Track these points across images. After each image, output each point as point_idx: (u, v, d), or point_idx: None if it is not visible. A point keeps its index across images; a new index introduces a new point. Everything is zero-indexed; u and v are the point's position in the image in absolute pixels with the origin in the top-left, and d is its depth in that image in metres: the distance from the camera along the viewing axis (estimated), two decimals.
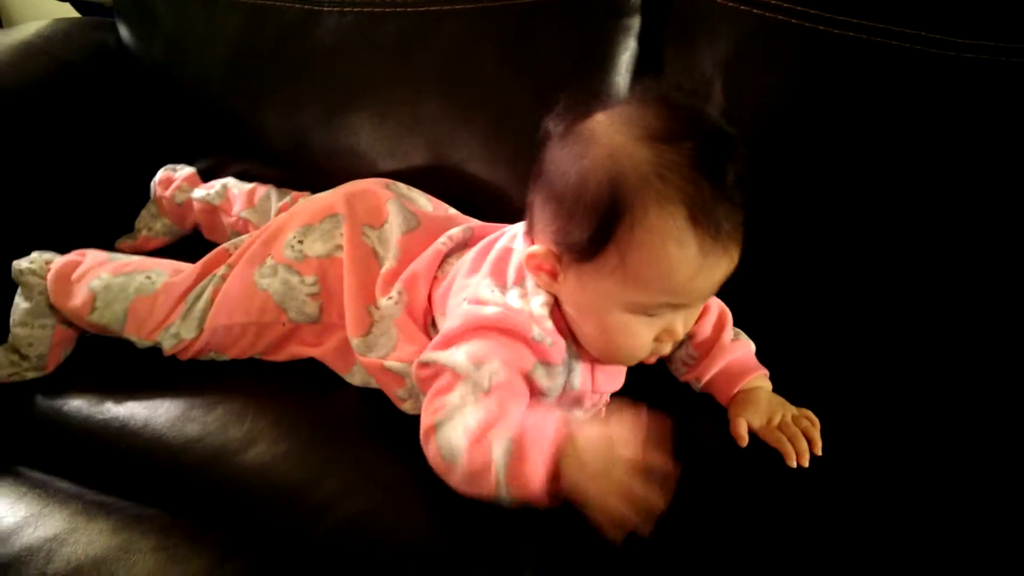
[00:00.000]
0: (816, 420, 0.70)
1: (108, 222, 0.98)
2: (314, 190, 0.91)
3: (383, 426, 0.71)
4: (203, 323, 0.76)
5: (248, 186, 0.94)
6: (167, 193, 0.96)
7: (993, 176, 0.73)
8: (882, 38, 0.72)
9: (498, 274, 0.67)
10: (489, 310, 0.63)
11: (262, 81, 0.97)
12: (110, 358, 0.81)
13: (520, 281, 0.65)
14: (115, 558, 0.63)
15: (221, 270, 0.79)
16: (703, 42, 0.79)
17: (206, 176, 0.99)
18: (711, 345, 0.74)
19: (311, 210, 0.81)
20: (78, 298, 0.77)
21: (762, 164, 0.76)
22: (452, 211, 0.85)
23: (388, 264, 0.76)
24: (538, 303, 0.63)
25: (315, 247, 0.78)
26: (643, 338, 0.63)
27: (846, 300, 0.81)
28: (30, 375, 0.79)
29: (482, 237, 0.75)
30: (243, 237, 0.85)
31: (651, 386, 0.72)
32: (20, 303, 0.79)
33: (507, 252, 0.68)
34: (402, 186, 0.86)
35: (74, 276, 0.78)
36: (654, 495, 0.50)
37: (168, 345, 0.77)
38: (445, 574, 0.63)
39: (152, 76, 1.05)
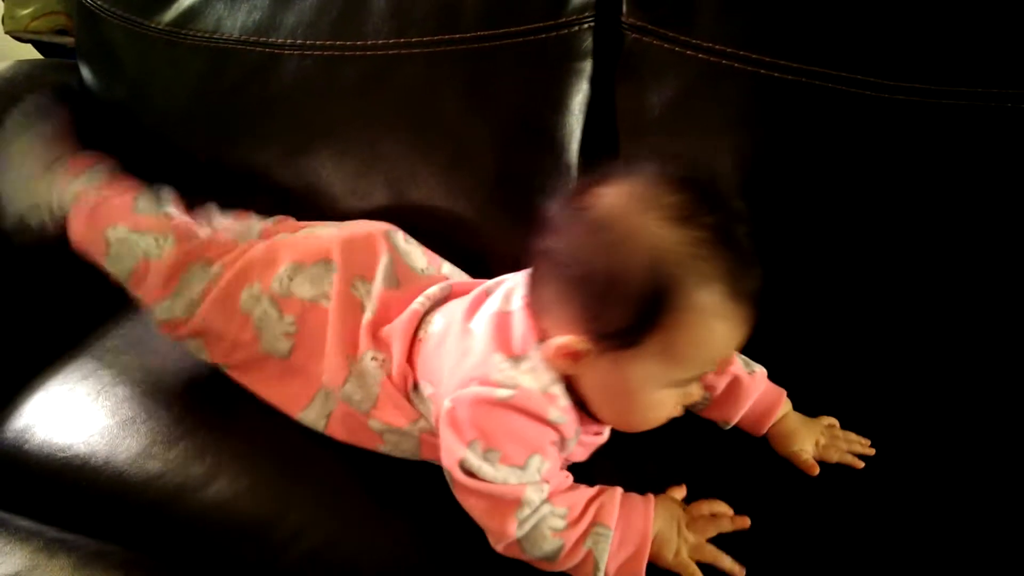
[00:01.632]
0: (837, 422, 0.75)
1: (72, 264, 0.97)
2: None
3: (342, 458, 0.73)
4: (193, 310, 0.78)
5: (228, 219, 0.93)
6: None
7: (928, 208, 0.77)
8: (820, 81, 0.76)
9: (504, 345, 0.64)
10: (502, 393, 0.61)
11: (224, 122, 0.98)
12: (70, 394, 0.81)
13: (527, 351, 0.64)
14: None
15: (215, 268, 0.80)
16: (651, 86, 0.83)
17: None
18: (731, 387, 0.73)
19: (307, 248, 0.81)
20: (94, 240, 0.83)
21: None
22: (447, 268, 0.84)
23: (368, 315, 0.75)
24: (549, 379, 0.62)
25: (302, 289, 0.78)
26: (669, 408, 0.64)
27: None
28: None
29: (460, 294, 0.75)
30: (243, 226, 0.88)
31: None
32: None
33: (506, 317, 0.66)
34: (400, 237, 0.84)
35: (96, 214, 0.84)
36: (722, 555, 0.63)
37: (162, 316, 0.80)
38: None
39: (114, 116, 1.06)
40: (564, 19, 0.86)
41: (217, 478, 0.72)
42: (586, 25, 0.86)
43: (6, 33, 1.25)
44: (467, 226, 0.93)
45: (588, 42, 0.86)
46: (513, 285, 0.69)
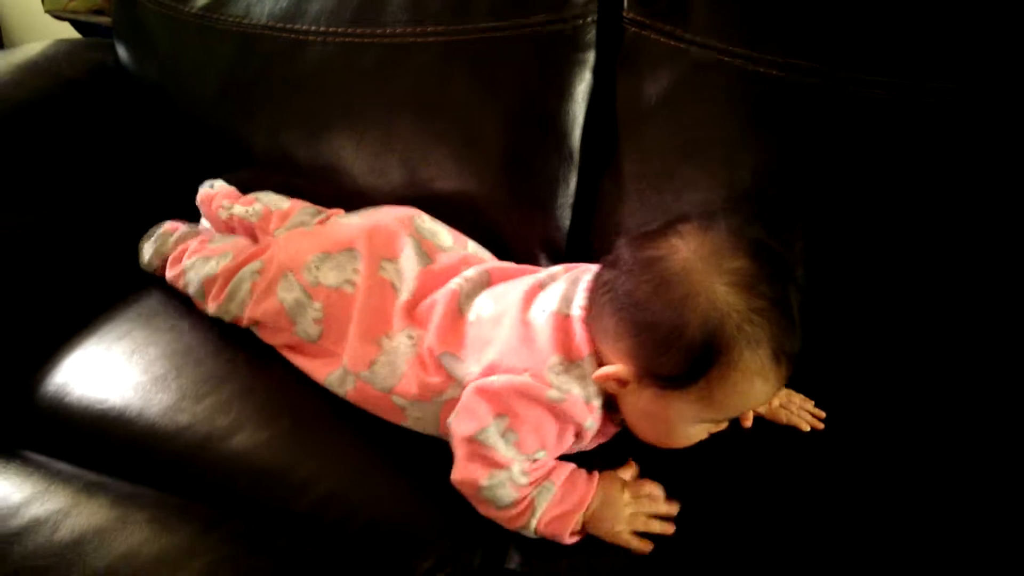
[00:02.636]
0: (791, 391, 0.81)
1: (110, 233, 1.05)
2: (317, 201, 0.99)
3: (354, 418, 0.80)
4: (244, 308, 0.87)
5: (285, 204, 0.98)
6: (212, 211, 1.00)
7: (908, 202, 0.81)
8: (801, 76, 0.81)
9: (563, 348, 0.69)
10: (553, 394, 0.67)
11: (251, 103, 1.05)
12: (107, 353, 0.88)
13: (582, 358, 0.69)
14: (113, 528, 0.70)
15: (256, 264, 0.88)
16: (648, 77, 0.88)
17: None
18: None
19: (334, 238, 0.87)
20: (176, 271, 0.95)
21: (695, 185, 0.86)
22: (472, 246, 0.91)
23: (404, 296, 0.81)
24: (594, 391, 0.68)
25: (328, 276, 0.83)
26: (699, 436, 0.71)
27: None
28: None
29: (500, 279, 0.81)
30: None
31: None
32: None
33: (567, 322, 0.70)
34: (426, 220, 0.90)
35: (182, 257, 0.96)
36: (659, 515, 0.70)
37: (228, 318, 0.89)
38: (406, 545, 0.71)
39: (148, 95, 1.13)
40: (569, 13, 0.91)
41: (240, 430, 0.79)
42: (590, 19, 0.91)
43: (46, 12, 1.31)
44: (476, 203, 0.98)
45: (591, 34, 0.92)
46: (568, 284, 0.74)
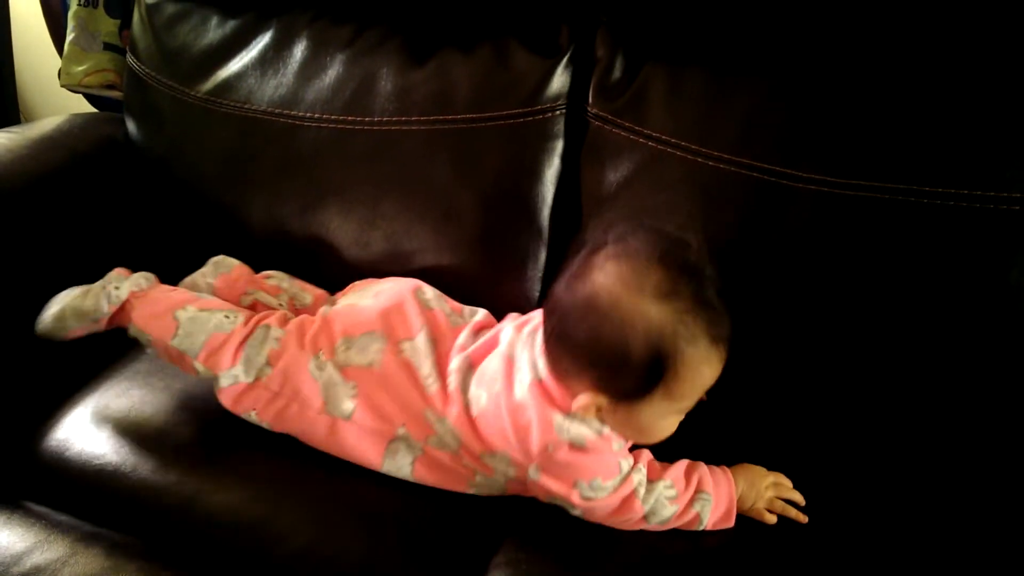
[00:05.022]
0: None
1: None
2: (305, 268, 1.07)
3: (332, 474, 0.86)
4: (261, 375, 0.87)
5: (308, 298, 1.04)
6: (234, 294, 1.02)
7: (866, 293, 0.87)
8: (742, 169, 0.90)
9: (555, 406, 0.78)
10: (580, 442, 0.76)
11: (249, 180, 1.13)
12: (105, 410, 0.95)
13: (569, 408, 0.77)
14: None
15: (275, 332, 0.88)
16: (609, 165, 0.97)
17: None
18: None
19: (353, 321, 0.89)
20: (162, 322, 0.89)
21: None
22: (467, 311, 0.97)
23: (433, 385, 0.84)
24: (596, 425, 0.77)
25: (355, 358, 0.86)
26: (674, 424, 0.80)
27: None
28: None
29: (478, 360, 0.86)
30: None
31: None
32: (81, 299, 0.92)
33: (543, 385, 0.79)
34: (428, 293, 0.96)
35: (160, 308, 0.91)
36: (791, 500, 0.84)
37: (226, 383, 0.87)
38: None
39: (154, 169, 1.22)
40: (540, 106, 1.01)
41: (225, 487, 0.85)
42: (558, 112, 1.01)
43: (62, 86, 1.41)
44: (453, 274, 1.05)
45: (560, 125, 1.01)
46: (529, 350, 0.81)
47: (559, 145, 1.01)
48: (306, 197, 1.10)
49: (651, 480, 0.80)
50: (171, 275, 1.14)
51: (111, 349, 1.05)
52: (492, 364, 0.85)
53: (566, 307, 0.75)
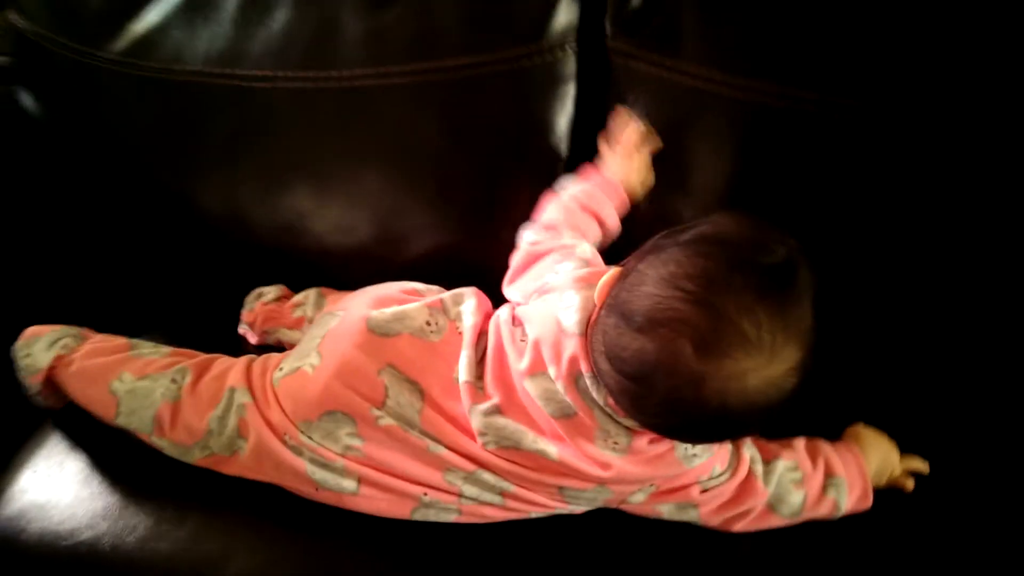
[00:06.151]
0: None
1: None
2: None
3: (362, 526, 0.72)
4: (233, 448, 0.71)
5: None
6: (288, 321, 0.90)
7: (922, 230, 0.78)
8: (808, 107, 0.75)
9: None
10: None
11: (192, 161, 0.94)
12: (60, 471, 0.77)
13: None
14: None
15: (240, 397, 0.72)
16: (642, 109, 0.82)
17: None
18: None
19: (301, 400, 0.71)
20: (100, 400, 0.75)
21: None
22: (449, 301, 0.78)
23: (440, 448, 0.69)
24: None
25: (329, 446, 0.70)
26: None
27: None
28: None
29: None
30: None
31: None
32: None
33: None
34: (388, 312, 0.74)
35: (91, 378, 0.76)
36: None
37: (200, 455, 0.73)
38: None
39: (69, 153, 1.00)
40: (547, 43, 0.83)
41: (235, 555, 0.70)
42: (569, 48, 0.84)
43: None
44: (457, 256, 0.91)
45: (571, 66, 0.84)
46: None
47: (571, 89, 0.86)
48: (267, 177, 0.92)
49: (767, 460, 0.72)
50: (118, 275, 0.96)
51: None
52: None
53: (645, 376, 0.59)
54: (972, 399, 0.84)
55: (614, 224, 0.83)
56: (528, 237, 0.82)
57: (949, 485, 0.77)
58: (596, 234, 0.83)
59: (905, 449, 0.79)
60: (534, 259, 0.80)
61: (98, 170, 1.00)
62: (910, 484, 0.77)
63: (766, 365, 0.55)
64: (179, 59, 0.91)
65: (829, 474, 0.73)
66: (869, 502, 0.74)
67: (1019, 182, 0.73)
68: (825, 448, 0.75)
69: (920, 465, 0.78)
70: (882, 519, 0.74)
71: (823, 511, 0.72)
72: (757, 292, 0.55)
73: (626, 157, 0.81)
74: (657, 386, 0.57)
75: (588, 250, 0.78)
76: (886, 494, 0.76)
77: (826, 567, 0.72)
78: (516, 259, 0.82)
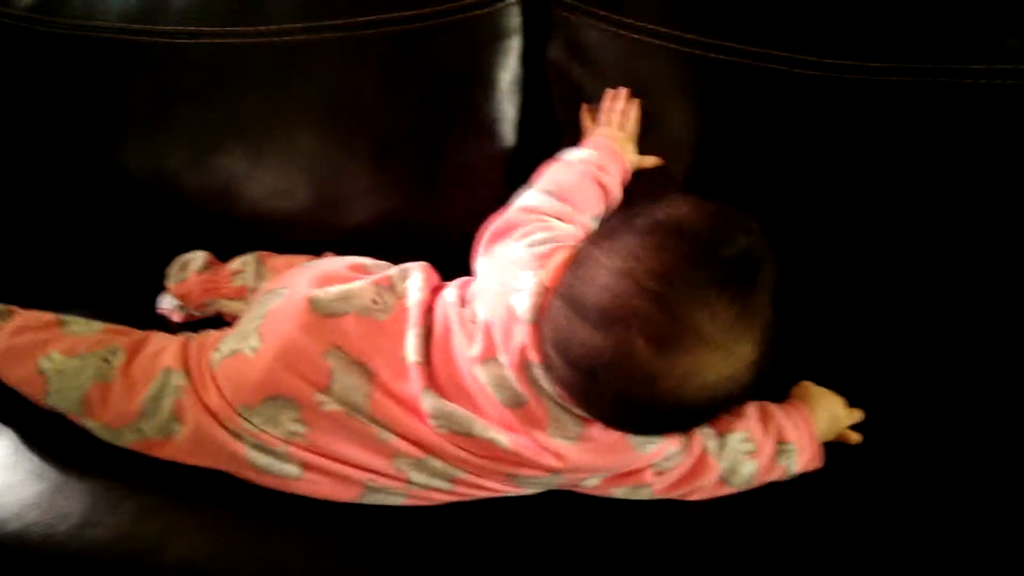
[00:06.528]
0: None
1: None
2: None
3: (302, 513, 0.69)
4: (168, 431, 0.67)
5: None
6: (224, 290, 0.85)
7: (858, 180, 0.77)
8: (752, 60, 0.74)
9: None
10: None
11: (111, 120, 0.88)
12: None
13: None
14: None
15: (176, 380, 0.68)
16: (584, 67, 0.80)
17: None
18: None
19: (241, 384, 0.67)
20: (27, 379, 0.70)
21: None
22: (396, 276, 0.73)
23: (391, 437, 0.65)
24: None
25: (271, 431, 0.66)
26: None
27: None
28: None
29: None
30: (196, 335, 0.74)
31: None
32: None
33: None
34: (333, 291, 0.69)
35: (19, 355, 0.71)
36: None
37: (132, 438, 0.69)
38: None
39: None
40: None
41: (174, 540, 0.67)
42: (512, 1, 0.80)
43: None
44: (400, 220, 0.88)
45: (515, 17, 0.81)
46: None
47: (516, 43, 0.82)
48: (198, 140, 0.87)
49: (720, 433, 0.70)
50: (41, 246, 0.91)
51: None
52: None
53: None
54: (918, 352, 0.85)
55: (617, 195, 0.80)
56: (530, 200, 0.75)
57: (896, 440, 0.78)
58: (599, 205, 0.78)
59: (853, 402, 0.79)
60: (513, 227, 0.72)
61: (11, 135, 0.93)
62: (855, 437, 0.77)
63: (723, 361, 0.53)
64: (90, 15, 0.85)
65: (780, 440, 0.72)
66: (820, 463, 0.74)
67: (985, 144, 0.73)
68: (777, 413, 0.73)
69: (859, 416, 0.78)
70: (833, 475, 0.74)
71: (774, 476, 0.72)
72: (716, 287, 0.52)
73: (618, 129, 0.80)
74: (610, 382, 0.54)
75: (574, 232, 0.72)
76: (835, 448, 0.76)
77: (780, 526, 0.71)
78: (500, 222, 0.74)
